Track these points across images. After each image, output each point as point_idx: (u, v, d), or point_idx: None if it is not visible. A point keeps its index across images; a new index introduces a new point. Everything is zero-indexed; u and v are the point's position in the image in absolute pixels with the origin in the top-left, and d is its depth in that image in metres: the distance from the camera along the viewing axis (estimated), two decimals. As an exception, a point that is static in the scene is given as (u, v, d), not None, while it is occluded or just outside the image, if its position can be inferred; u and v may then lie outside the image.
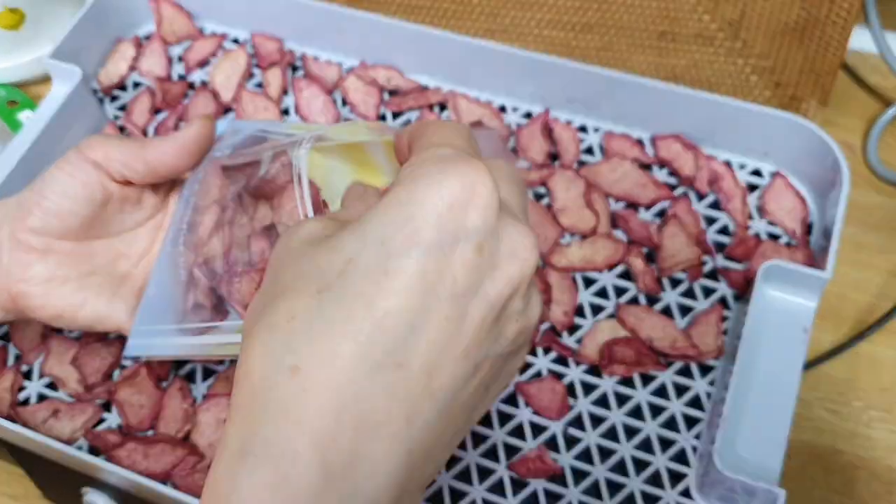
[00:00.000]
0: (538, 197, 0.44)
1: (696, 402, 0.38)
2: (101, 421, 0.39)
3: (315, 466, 0.20)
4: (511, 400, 0.38)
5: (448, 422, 0.22)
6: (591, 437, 0.37)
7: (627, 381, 0.38)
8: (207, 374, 0.39)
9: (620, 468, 0.36)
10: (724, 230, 0.42)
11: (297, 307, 0.21)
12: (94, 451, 0.38)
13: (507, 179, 0.24)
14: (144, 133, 0.47)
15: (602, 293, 0.41)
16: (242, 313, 0.32)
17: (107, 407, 0.39)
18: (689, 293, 0.40)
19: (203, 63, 0.49)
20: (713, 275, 0.41)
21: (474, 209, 0.21)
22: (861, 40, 0.51)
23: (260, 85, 0.48)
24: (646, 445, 0.37)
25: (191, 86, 0.49)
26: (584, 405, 0.38)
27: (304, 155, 0.29)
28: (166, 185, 0.38)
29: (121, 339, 0.40)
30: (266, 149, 0.33)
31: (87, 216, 0.35)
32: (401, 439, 0.21)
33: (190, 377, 0.39)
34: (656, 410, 0.37)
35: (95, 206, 0.35)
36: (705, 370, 0.38)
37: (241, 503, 0.20)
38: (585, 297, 0.40)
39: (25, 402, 0.39)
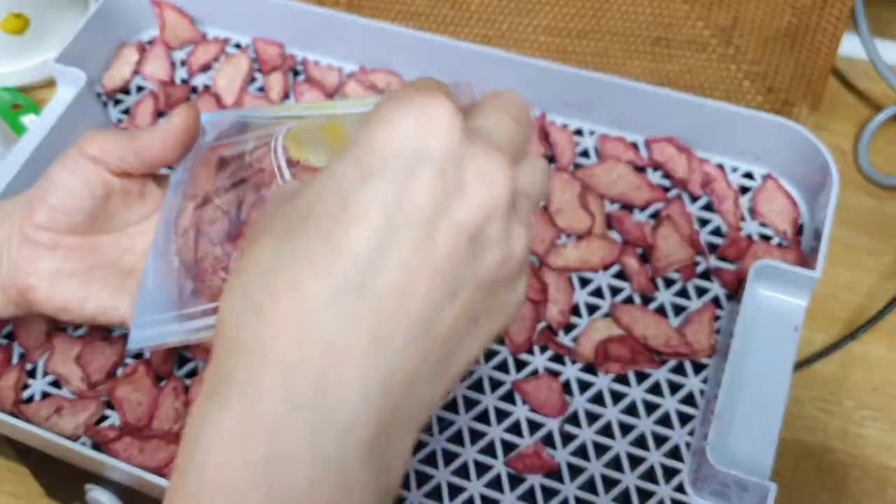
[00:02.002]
0: (535, 199, 0.44)
1: (689, 400, 0.38)
2: (105, 418, 0.39)
3: (280, 396, 0.20)
4: (508, 397, 0.39)
5: (429, 349, 0.21)
6: (586, 434, 0.38)
7: (622, 379, 0.39)
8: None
9: (616, 464, 0.37)
10: (716, 231, 0.43)
11: (263, 251, 0.21)
12: (96, 447, 0.38)
13: (499, 111, 0.23)
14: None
15: (597, 293, 0.41)
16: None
17: (110, 404, 0.39)
18: (683, 293, 0.41)
19: (206, 67, 0.50)
20: (706, 275, 0.42)
21: (432, 136, 0.20)
22: (850, 46, 0.52)
23: (262, 89, 0.49)
24: (640, 442, 0.37)
25: (194, 90, 0.49)
26: (579, 402, 0.38)
27: (281, 133, 0.29)
28: (168, 179, 0.38)
29: (124, 337, 0.41)
30: (250, 136, 0.34)
31: (91, 210, 0.36)
32: (372, 362, 0.20)
33: (191, 376, 0.40)
34: (651, 407, 0.38)
35: (97, 200, 0.36)
36: (698, 368, 0.39)
37: (210, 439, 0.20)
38: (581, 296, 0.41)
39: (29, 399, 0.40)
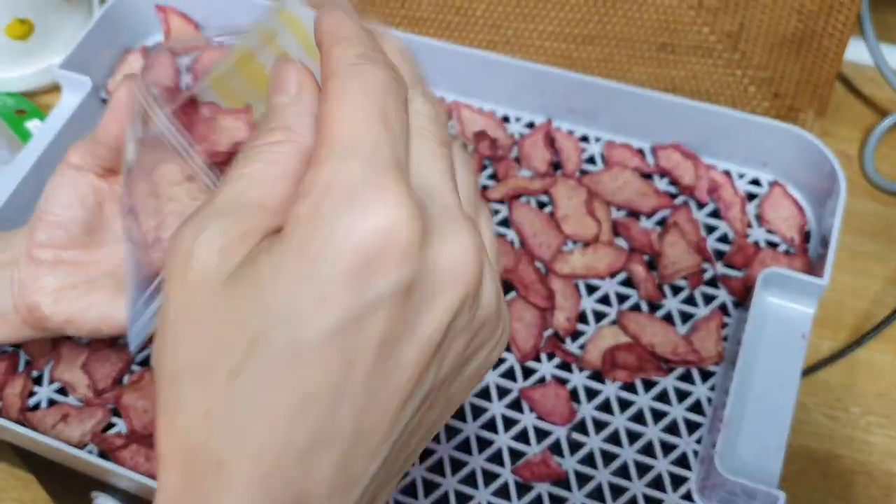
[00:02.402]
0: (541, 205, 0.44)
1: (697, 407, 0.38)
2: (111, 425, 0.39)
3: None
4: (515, 405, 0.39)
5: (397, 457, 0.20)
6: (594, 442, 0.38)
7: (630, 387, 0.39)
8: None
9: (623, 472, 0.37)
10: (723, 238, 0.43)
11: (211, 399, 0.19)
12: (102, 455, 0.38)
13: (432, 157, 0.20)
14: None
15: (604, 300, 0.41)
16: None
17: (116, 412, 0.39)
18: (690, 300, 0.41)
19: (210, 73, 0.50)
20: (713, 282, 0.42)
21: (392, 261, 0.18)
22: (856, 51, 0.52)
23: (266, 95, 0.49)
24: (648, 449, 0.37)
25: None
26: (587, 410, 0.38)
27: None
28: None
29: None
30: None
31: (87, 220, 0.36)
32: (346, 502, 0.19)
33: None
34: (658, 415, 0.38)
35: (91, 208, 0.36)
36: (706, 376, 0.39)
37: None
38: (588, 303, 0.41)
39: (35, 407, 0.40)
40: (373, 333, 0.18)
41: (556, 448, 0.38)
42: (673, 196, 0.44)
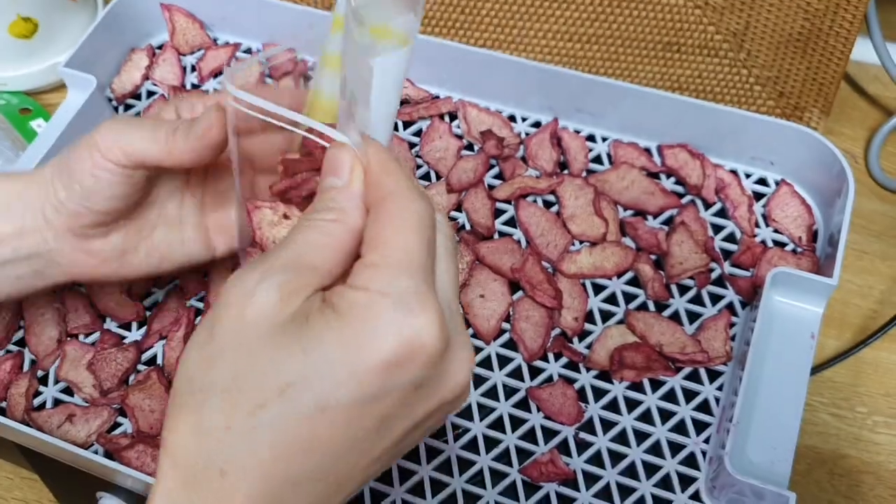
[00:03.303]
0: (548, 205, 0.44)
1: (705, 407, 0.38)
2: (117, 425, 0.39)
3: None
4: (523, 404, 0.39)
5: (357, 488, 0.25)
6: (602, 442, 0.37)
7: (637, 386, 0.39)
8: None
9: (631, 472, 0.37)
10: (730, 238, 0.43)
11: (235, 419, 0.22)
12: (108, 455, 0.38)
13: (450, 273, 0.25)
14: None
15: (612, 299, 0.41)
16: None
17: (122, 411, 0.39)
18: (698, 300, 0.41)
19: (216, 73, 0.50)
20: (720, 281, 0.41)
21: (417, 364, 0.22)
22: (861, 51, 0.52)
23: (272, 94, 0.49)
24: (656, 449, 0.37)
25: (205, 94, 0.49)
26: (594, 410, 0.38)
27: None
28: None
29: (136, 344, 0.40)
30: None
31: (137, 201, 0.35)
32: None
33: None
34: (666, 415, 0.38)
35: (139, 188, 0.35)
36: (714, 375, 0.39)
37: None
38: (595, 303, 0.41)
39: (41, 407, 0.40)
40: (381, 410, 0.23)
41: (563, 448, 0.37)
42: (680, 195, 0.44)
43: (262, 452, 0.22)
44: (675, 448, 0.37)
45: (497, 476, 0.37)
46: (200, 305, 0.42)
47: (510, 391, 0.39)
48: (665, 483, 0.37)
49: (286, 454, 0.22)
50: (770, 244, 0.43)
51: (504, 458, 0.37)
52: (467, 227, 0.44)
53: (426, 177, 0.46)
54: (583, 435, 0.38)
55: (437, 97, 0.48)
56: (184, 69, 0.50)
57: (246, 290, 0.23)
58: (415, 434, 0.25)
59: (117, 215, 0.35)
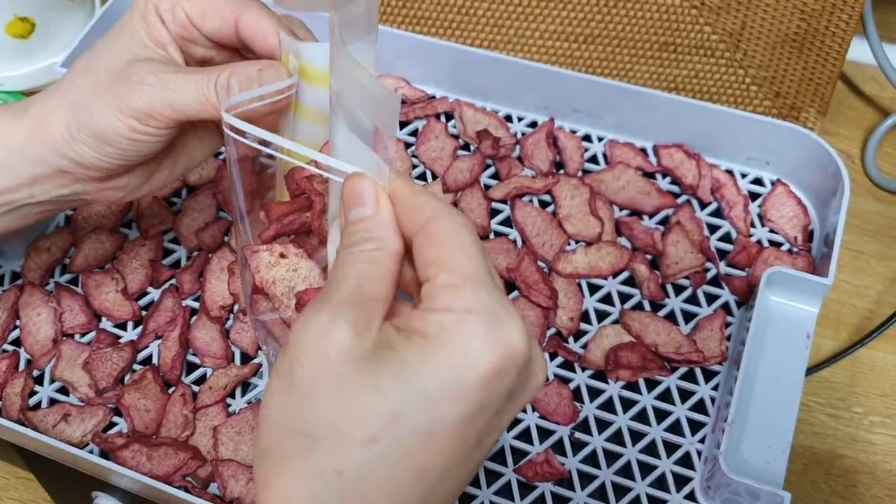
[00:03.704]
0: (543, 205, 0.44)
1: (700, 407, 0.38)
2: (113, 425, 0.39)
3: None
4: (518, 404, 0.39)
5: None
6: (597, 441, 0.37)
7: (633, 386, 0.39)
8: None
9: (626, 471, 0.37)
10: (726, 237, 0.43)
11: (345, 459, 0.22)
12: (103, 455, 0.38)
13: (488, 267, 0.25)
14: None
15: (607, 299, 0.41)
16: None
17: (118, 411, 0.39)
18: (693, 299, 0.41)
19: (212, 72, 0.50)
20: (716, 281, 0.41)
21: (512, 372, 0.23)
22: (858, 51, 0.52)
23: (268, 94, 0.49)
24: (651, 449, 0.37)
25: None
26: (590, 409, 0.38)
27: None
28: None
29: (132, 343, 0.40)
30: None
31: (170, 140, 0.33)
32: None
33: (199, 383, 0.40)
34: (661, 415, 0.38)
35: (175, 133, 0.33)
36: (709, 375, 0.39)
37: None
38: (591, 302, 0.41)
39: (36, 406, 0.40)
40: (481, 424, 0.23)
41: (559, 447, 0.37)
42: (676, 195, 0.44)
43: (380, 487, 0.22)
44: (671, 448, 0.37)
45: (492, 476, 0.37)
46: (196, 305, 0.42)
47: (505, 391, 0.39)
48: (660, 483, 0.36)
49: (401, 485, 0.22)
50: (766, 244, 0.43)
51: (499, 457, 0.37)
52: (463, 226, 0.44)
53: (422, 177, 0.46)
54: (578, 435, 0.38)
55: (434, 97, 0.48)
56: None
57: (321, 331, 0.23)
58: (496, 437, 0.25)
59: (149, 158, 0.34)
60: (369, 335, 0.23)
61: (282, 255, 0.31)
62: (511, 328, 0.23)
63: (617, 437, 0.38)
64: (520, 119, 0.48)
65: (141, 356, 0.41)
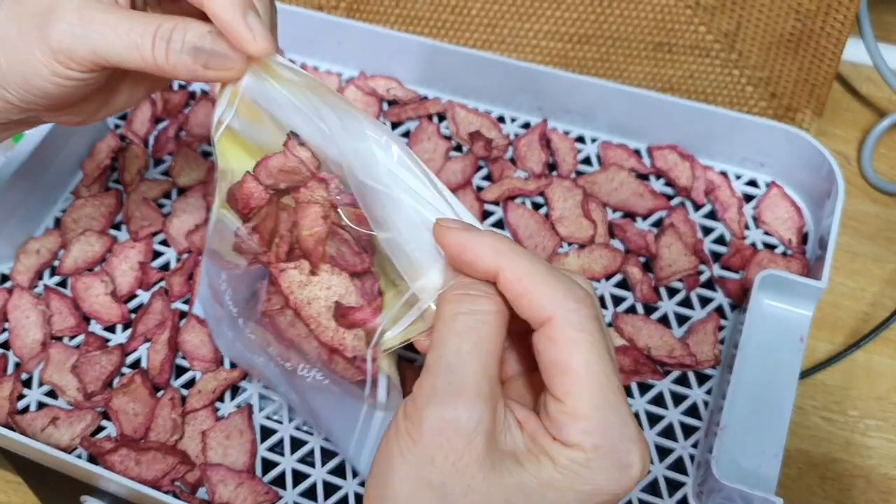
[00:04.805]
0: (536, 207, 0.44)
1: (693, 411, 0.38)
2: (101, 429, 0.39)
3: None
4: (509, 408, 0.38)
5: None
6: (589, 446, 0.37)
7: (625, 390, 0.38)
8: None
9: (618, 476, 0.36)
10: (720, 240, 0.43)
11: None
12: (92, 459, 0.38)
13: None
14: (145, 143, 0.47)
15: (600, 302, 0.41)
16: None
17: (106, 415, 0.39)
18: (686, 302, 0.41)
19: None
20: (710, 284, 0.41)
21: (638, 479, 0.24)
22: (854, 51, 0.51)
23: (260, 94, 0.48)
24: (643, 454, 0.37)
25: (192, 95, 0.49)
26: (582, 413, 0.38)
27: None
28: None
29: (121, 347, 0.40)
30: None
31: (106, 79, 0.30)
32: None
33: (188, 386, 0.39)
34: (654, 419, 0.38)
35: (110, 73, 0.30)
36: (702, 379, 0.39)
37: None
38: (583, 305, 0.41)
39: (24, 410, 0.39)
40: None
41: (550, 452, 0.37)
42: (669, 197, 0.44)
43: None
44: (663, 452, 0.37)
45: (483, 480, 0.37)
46: (185, 308, 0.41)
47: (497, 395, 0.39)
48: (653, 488, 0.36)
49: None
50: (760, 246, 0.42)
51: (490, 462, 0.37)
52: (455, 228, 0.43)
53: (414, 178, 0.46)
54: (570, 439, 0.37)
55: (426, 98, 0.48)
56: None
57: (459, 431, 0.23)
58: None
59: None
60: (501, 439, 0.24)
61: (312, 273, 0.29)
62: (636, 465, 0.23)
63: (609, 442, 0.37)
64: (513, 120, 0.47)
65: (130, 359, 0.40)
